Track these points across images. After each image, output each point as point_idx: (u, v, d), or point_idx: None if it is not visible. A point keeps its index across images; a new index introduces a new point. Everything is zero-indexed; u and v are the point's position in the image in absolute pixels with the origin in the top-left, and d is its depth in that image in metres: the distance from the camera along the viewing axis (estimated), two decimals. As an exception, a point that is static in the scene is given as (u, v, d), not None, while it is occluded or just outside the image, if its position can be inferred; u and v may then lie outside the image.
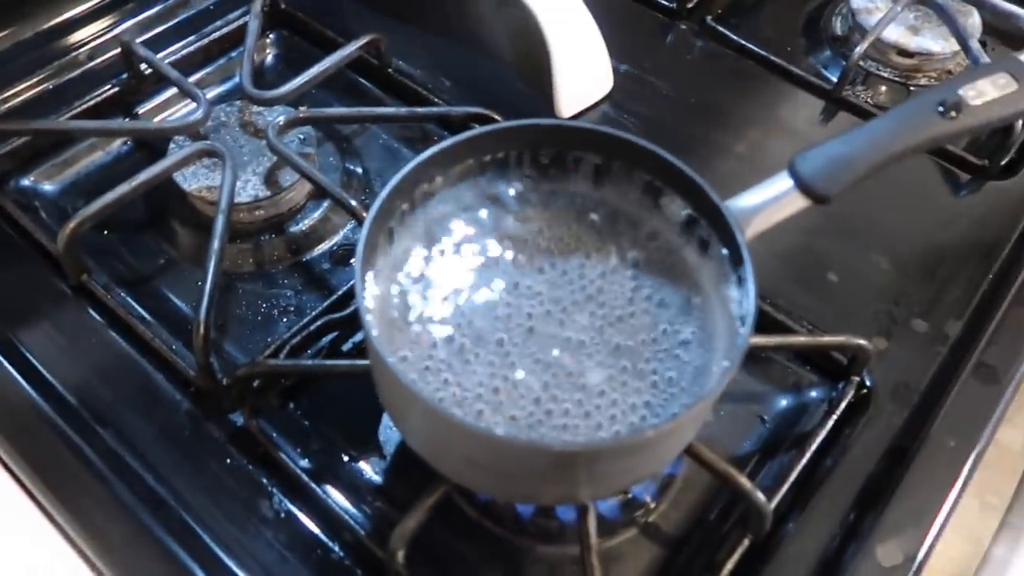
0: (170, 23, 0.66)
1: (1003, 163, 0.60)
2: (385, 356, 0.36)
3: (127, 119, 0.62)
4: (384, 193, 0.40)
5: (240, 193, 0.53)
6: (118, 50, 0.62)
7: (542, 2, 0.61)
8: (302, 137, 0.57)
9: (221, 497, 0.44)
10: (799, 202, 0.40)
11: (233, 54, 0.66)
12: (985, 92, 0.39)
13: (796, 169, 0.40)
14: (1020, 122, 0.59)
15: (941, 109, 0.39)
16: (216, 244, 0.49)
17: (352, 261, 0.53)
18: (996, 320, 0.51)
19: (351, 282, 0.52)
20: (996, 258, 0.55)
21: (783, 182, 0.40)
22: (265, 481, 0.45)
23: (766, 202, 0.40)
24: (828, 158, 0.40)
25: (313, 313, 0.51)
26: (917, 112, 0.40)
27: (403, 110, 0.61)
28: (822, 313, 0.52)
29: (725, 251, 0.40)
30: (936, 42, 0.66)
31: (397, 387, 0.36)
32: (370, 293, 0.40)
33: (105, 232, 0.55)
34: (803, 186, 0.39)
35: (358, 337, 0.51)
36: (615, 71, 0.64)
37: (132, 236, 0.55)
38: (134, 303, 0.51)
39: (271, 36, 0.67)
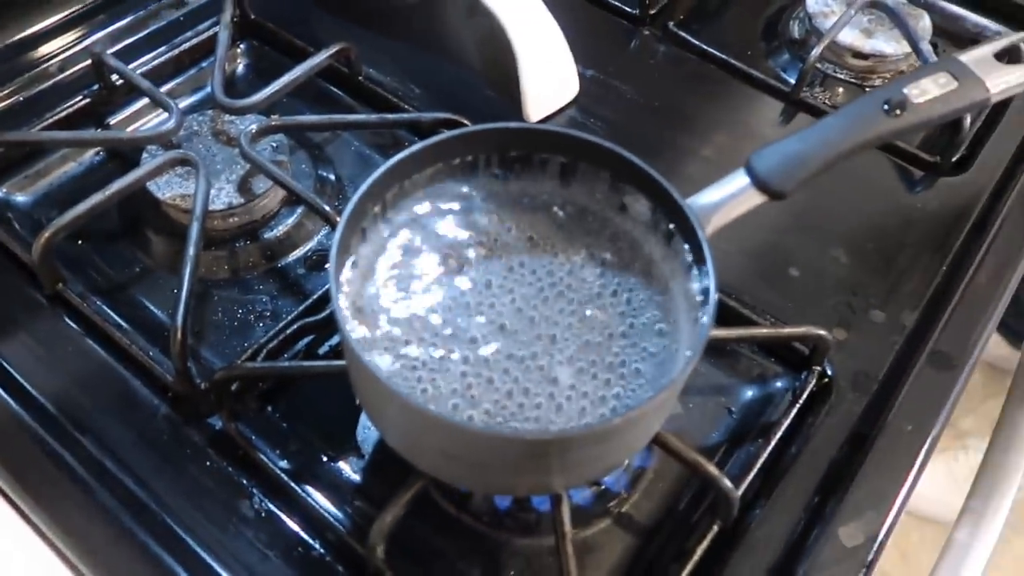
0: (140, 34, 0.67)
1: (954, 160, 0.62)
2: (362, 355, 0.37)
3: (99, 130, 0.62)
4: (356, 197, 0.41)
5: (214, 201, 0.54)
6: (89, 62, 0.62)
7: (508, 11, 0.62)
8: (275, 145, 0.58)
9: (202, 499, 0.45)
10: (756, 198, 0.42)
11: (204, 64, 0.66)
12: (928, 90, 0.41)
13: (752, 167, 0.41)
14: (968, 121, 0.61)
15: (887, 107, 0.41)
16: (191, 251, 0.50)
17: (327, 266, 0.54)
18: (949, 310, 0.54)
19: (326, 286, 0.53)
20: (949, 251, 0.57)
21: (740, 179, 0.42)
22: (245, 482, 0.46)
23: (724, 199, 0.42)
24: (782, 156, 0.41)
25: (289, 317, 0.52)
26: (865, 110, 0.42)
27: (373, 117, 0.62)
28: (784, 306, 0.54)
29: (687, 246, 0.42)
30: (889, 44, 0.68)
31: (374, 384, 0.37)
32: (344, 295, 0.41)
33: (79, 242, 0.55)
34: (759, 183, 0.41)
35: (334, 340, 0.52)
36: (581, 76, 0.66)
37: (107, 245, 0.56)
38: (110, 311, 0.52)
39: (241, 46, 0.68)
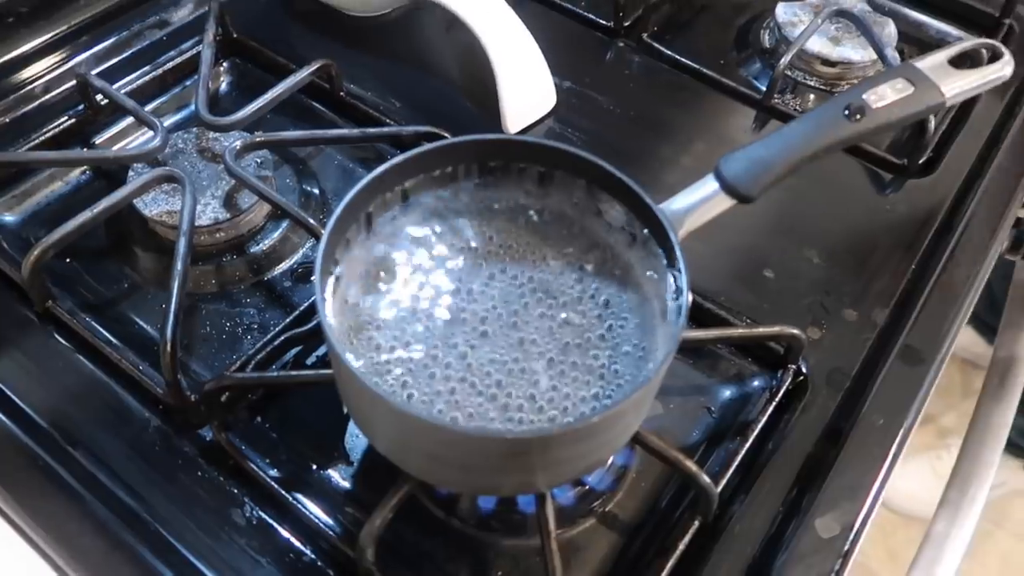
0: (124, 55, 0.68)
1: (920, 162, 0.64)
2: (349, 362, 0.38)
3: (85, 149, 0.63)
4: (339, 210, 0.42)
5: (200, 216, 0.55)
6: (73, 82, 0.63)
7: (486, 26, 0.64)
8: (259, 161, 0.59)
9: (194, 508, 0.46)
10: (725, 202, 0.43)
11: (188, 83, 0.68)
12: (885, 96, 0.43)
13: (721, 172, 0.43)
14: (932, 124, 0.63)
15: (847, 112, 0.43)
16: (179, 265, 0.51)
17: (312, 278, 0.55)
18: (919, 306, 0.55)
19: (312, 298, 0.54)
20: (917, 250, 0.59)
21: (710, 185, 0.43)
22: (236, 491, 0.47)
23: (695, 204, 0.43)
24: (749, 161, 0.43)
25: (276, 329, 0.53)
26: (826, 116, 0.43)
27: (355, 131, 0.63)
28: (760, 307, 0.55)
29: (661, 250, 0.43)
30: (856, 51, 0.70)
31: (361, 391, 0.38)
32: (330, 305, 0.43)
33: (68, 260, 0.56)
34: (728, 187, 0.43)
35: (321, 350, 0.53)
36: (558, 88, 0.67)
37: (95, 262, 0.57)
38: (100, 327, 0.53)
39: (224, 64, 0.69)
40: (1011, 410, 0.70)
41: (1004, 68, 0.47)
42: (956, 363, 0.76)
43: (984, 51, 0.50)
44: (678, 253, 0.41)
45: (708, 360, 0.54)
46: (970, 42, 0.48)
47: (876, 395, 0.51)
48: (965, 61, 0.49)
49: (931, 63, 0.46)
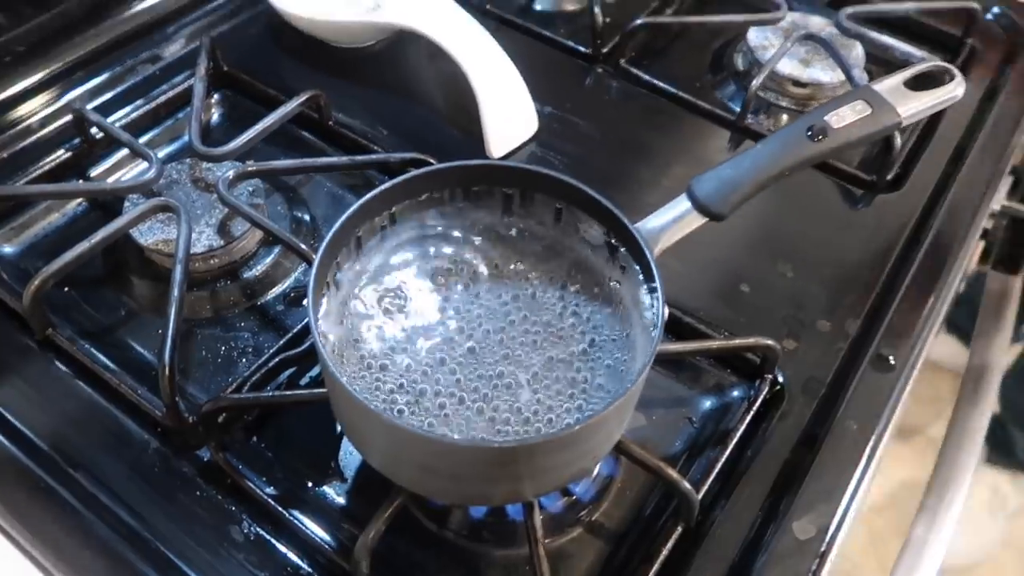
0: (119, 88, 0.70)
1: (888, 178, 0.67)
2: (343, 380, 0.40)
3: (81, 181, 0.65)
4: (329, 235, 0.44)
5: (195, 244, 0.57)
6: (70, 117, 0.65)
7: (468, 55, 0.67)
8: (251, 189, 0.61)
9: (194, 526, 0.47)
10: (697, 220, 0.46)
11: (180, 115, 0.70)
12: (845, 117, 0.46)
13: (693, 192, 0.45)
14: (899, 141, 0.66)
15: (810, 134, 0.45)
16: (176, 292, 0.53)
17: (305, 301, 0.57)
18: (889, 316, 0.58)
19: (305, 321, 0.56)
20: (887, 262, 0.62)
21: (683, 204, 0.46)
22: (234, 509, 0.48)
23: (669, 223, 0.46)
24: (719, 181, 0.45)
25: (270, 351, 0.54)
26: (791, 137, 0.46)
27: (344, 159, 0.65)
28: (737, 320, 0.57)
29: (638, 267, 0.46)
30: (825, 73, 0.73)
31: (355, 407, 0.40)
32: (323, 326, 0.44)
33: (67, 289, 0.58)
34: (699, 206, 0.45)
35: (314, 371, 0.55)
36: (540, 113, 0.70)
37: (93, 291, 0.58)
38: (99, 353, 0.54)
39: (216, 96, 0.71)
40: (986, 416, 0.72)
41: (956, 89, 0.50)
42: (943, 375, 0.78)
43: (940, 72, 0.53)
44: (654, 270, 0.43)
45: (689, 372, 0.56)
46: (925, 65, 0.51)
47: (849, 402, 0.53)
48: (924, 82, 0.51)
49: (888, 85, 0.49)
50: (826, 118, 0.46)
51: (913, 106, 0.48)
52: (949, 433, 0.71)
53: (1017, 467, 1.47)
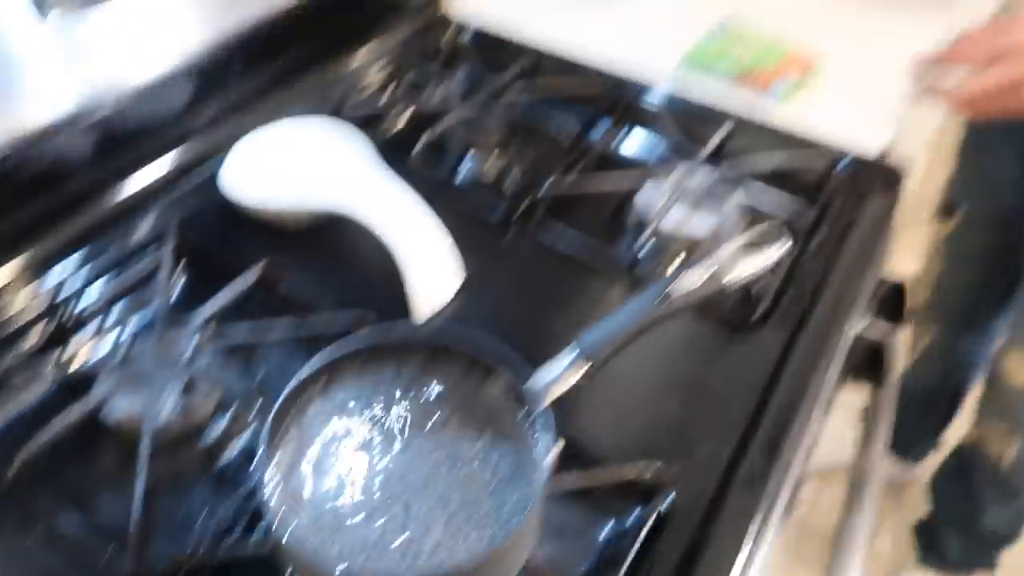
0: (87, 266, 0.79)
1: (753, 319, 0.78)
2: (283, 536, 0.48)
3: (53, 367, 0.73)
4: (276, 407, 0.54)
5: (159, 413, 0.66)
6: (44, 301, 0.74)
7: (394, 234, 0.78)
8: (212, 356, 0.70)
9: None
10: (582, 367, 0.57)
11: (147, 290, 0.79)
12: (685, 285, 0.58)
13: (581, 344, 0.57)
14: (754, 290, 0.78)
15: (658, 300, 0.58)
16: (143, 460, 0.61)
17: (251, 468, 0.65)
18: (759, 439, 0.68)
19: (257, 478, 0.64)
20: (757, 389, 0.72)
21: (572, 353, 0.57)
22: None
23: (556, 377, 0.57)
24: (601, 333, 0.57)
25: (227, 508, 0.62)
26: (645, 301, 0.58)
27: (294, 322, 0.74)
28: (630, 448, 0.67)
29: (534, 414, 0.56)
30: (705, 222, 0.85)
31: (297, 555, 0.48)
32: (270, 486, 0.53)
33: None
34: (585, 355, 0.56)
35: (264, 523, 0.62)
36: (463, 275, 0.81)
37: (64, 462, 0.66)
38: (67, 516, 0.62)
39: (181, 270, 0.81)
40: (870, 521, 0.81)
41: (782, 248, 0.63)
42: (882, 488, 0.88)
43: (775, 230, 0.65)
44: (541, 421, 0.53)
45: (588, 498, 0.65)
46: (758, 229, 0.64)
47: (723, 519, 0.62)
48: (752, 246, 0.64)
49: (729, 250, 0.61)
50: (667, 289, 0.58)
51: (743, 269, 0.60)
52: (835, 538, 0.79)
53: (951, 569, 1.53)
